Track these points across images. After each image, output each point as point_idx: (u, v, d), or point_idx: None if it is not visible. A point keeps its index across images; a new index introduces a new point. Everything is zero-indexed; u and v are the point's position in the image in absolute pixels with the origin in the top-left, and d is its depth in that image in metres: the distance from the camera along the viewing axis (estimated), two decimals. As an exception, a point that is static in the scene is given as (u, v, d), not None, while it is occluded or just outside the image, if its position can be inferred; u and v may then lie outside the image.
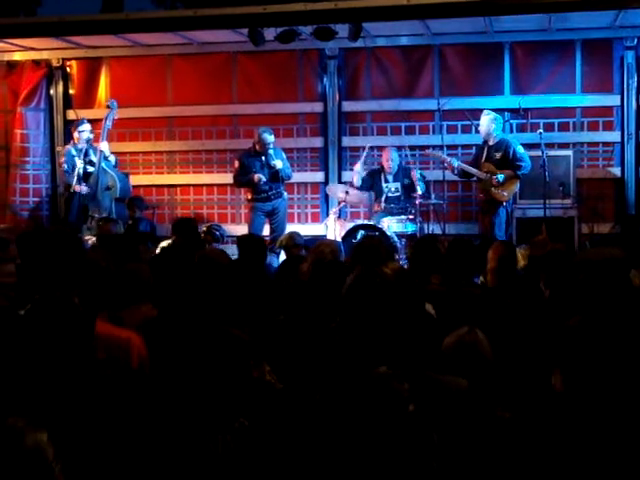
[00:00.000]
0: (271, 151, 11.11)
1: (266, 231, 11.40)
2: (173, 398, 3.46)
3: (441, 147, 11.23)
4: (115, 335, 4.34)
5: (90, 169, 11.42)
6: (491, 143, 10.85)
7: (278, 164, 11.07)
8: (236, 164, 11.37)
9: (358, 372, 2.97)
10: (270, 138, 11.08)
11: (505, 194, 10.65)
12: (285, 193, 11.45)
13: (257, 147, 11.18)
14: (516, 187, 10.74)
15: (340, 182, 12.06)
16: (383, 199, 11.06)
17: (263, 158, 11.13)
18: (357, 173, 11.25)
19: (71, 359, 3.67)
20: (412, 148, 11.92)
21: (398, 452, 2.70)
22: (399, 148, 11.58)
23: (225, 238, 11.76)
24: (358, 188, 11.27)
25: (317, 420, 3.12)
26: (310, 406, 3.46)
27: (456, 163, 10.84)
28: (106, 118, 11.49)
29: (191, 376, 3.45)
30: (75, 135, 11.61)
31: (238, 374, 3.48)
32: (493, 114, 10.90)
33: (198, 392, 3.39)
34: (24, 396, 3.46)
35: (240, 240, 7.64)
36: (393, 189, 11.11)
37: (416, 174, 10.91)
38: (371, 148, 11.60)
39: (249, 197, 11.41)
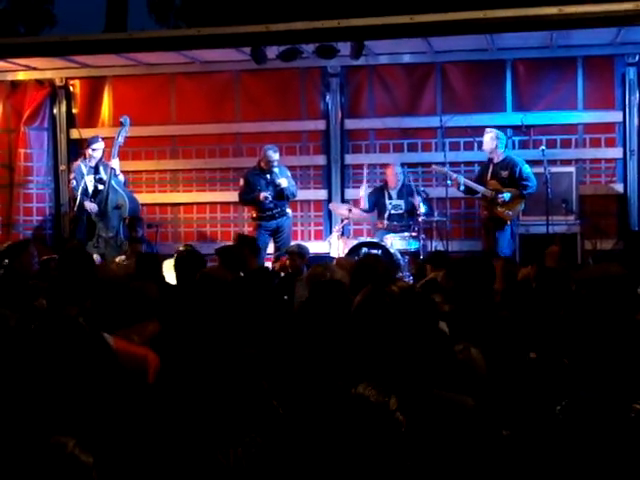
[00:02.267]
0: (276, 169, 11.13)
1: (270, 249, 11.42)
2: (186, 411, 3.48)
3: (444, 164, 11.22)
4: (132, 352, 4.39)
5: (100, 187, 11.44)
6: (496, 161, 10.86)
7: (283, 182, 11.09)
8: (241, 182, 11.40)
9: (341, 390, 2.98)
10: (275, 156, 11.11)
11: (510, 213, 10.65)
12: (289, 211, 11.47)
13: (262, 165, 11.21)
14: (521, 206, 10.74)
15: (343, 199, 12.09)
16: (386, 216, 11.07)
17: (268, 176, 11.16)
18: (363, 197, 11.27)
19: (80, 377, 3.69)
20: (414, 165, 11.94)
21: (386, 464, 2.71)
22: (401, 165, 11.60)
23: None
24: (367, 211, 11.29)
25: (312, 435, 3.13)
26: (305, 422, 3.48)
27: (462, 179, 10.85)
28: (118, 134, 11.54)
29: (204, 391, 3.47)
30: (88, 152, 11.64)
31: (251, 390, 3.50)
32: (495, 131, 10.92)
33: (211, 406, 3.41)
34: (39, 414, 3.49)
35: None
36: (396, 206, 11.12)
37: (418, 199, 10.91)
38: (373, 166, 11.62)
39: (254, 215, 11.43)
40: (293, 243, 10.34)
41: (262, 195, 11.04)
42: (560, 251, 7.81)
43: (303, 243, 10.83)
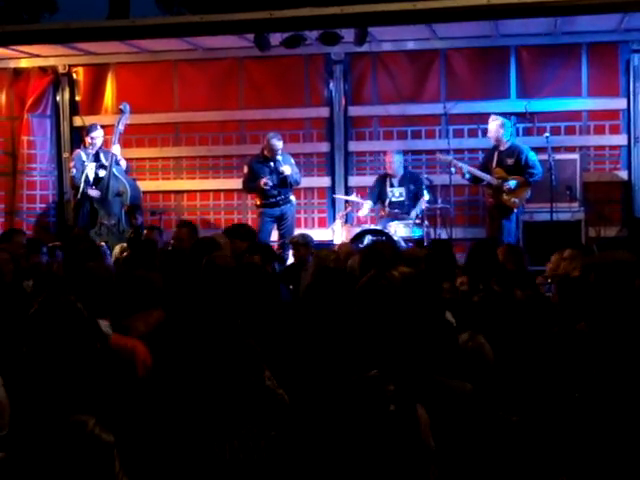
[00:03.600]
0: (279, 157, 11.12)
1: (275, 236, 11.42)
2: (183, 403, 3.48)
3: (448, 151, 11.20)
4: (121, 344, 4.37)
5: (101, 173, 11.45)
6: (502, 148, 10.84)
7: (286, 170, 11.08)
8: (245, 170, 11.40)
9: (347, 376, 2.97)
10: (279, 144, 11.10)
11: (516, 201, 10.63)
12: (293, 198, 11.46)
13: (266, 152, 11.21)
14: (527, 194, 10.72)
15: (346, 187, 12.11)
16: (387, 203, 11.07)
17: (272, 164, 11.15)
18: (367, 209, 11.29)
19: (75, 362, 3.71)
20: (418, 152, 11.92)
21: (384, 452, 2.70)
22: (405, 153, 11.58)
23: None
24: (374, 206, 11.29)
25: (312, 423, 3.13)
26: (306, 410, 3.48)
27: (466, 169, 10.83)
28: (118, 122, 11.57)
29: (203, 382, 3.46)
30: (87, 140, 11.65)
31: (250, 382, 3.50)
32: (501, 119, 10.90)
33: (209, 398, 3.40)
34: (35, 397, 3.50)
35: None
36: (397, 194, 11.12)
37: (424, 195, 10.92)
38: (377, 153, 11.63)
39: (257, 203, 11.43)
40: (297, 233, 10.30)
41: (262, 181, 11.04)
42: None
43: (307, 231, 10.83)
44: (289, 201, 11.36)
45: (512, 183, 10.59)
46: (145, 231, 10.23)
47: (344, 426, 2.67)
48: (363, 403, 2.65)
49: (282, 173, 11.09)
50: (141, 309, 5.15)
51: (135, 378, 4.26)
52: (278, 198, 11.23)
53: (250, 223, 12.07)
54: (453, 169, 10.94)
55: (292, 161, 11.37)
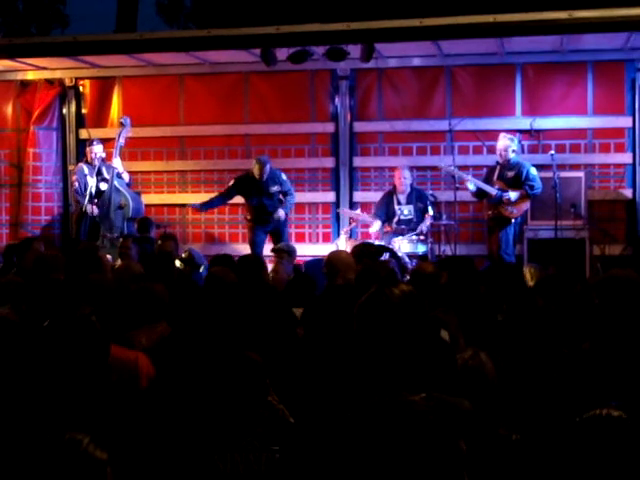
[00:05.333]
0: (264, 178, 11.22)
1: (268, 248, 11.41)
2: (185, 415, 3.48)
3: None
4: (124, 357, 4.37)
5: (103, 187, 11.47)
6: (505, 164, 10.86)
7: (281, 215, 11.17)
8: (230, 183, 11.49)
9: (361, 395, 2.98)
10: (265, 169, 11.17)
11: (515, 211, 10.66)
12: (285, 215, 11.44)
13: (255, 173, 11.25)
14: (526, 205, 10.74)
15: (351, 202, 12.11)
16: (395, 221, 11.05)
17: (260, 185, 11.21)
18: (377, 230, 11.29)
19: (86, 377, 3.70)
20: (423, 169, 11.93)
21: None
22: (410, 169, 11.59)
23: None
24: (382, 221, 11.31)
25: (318, 439, 3.13)
26: (312, 426, 3.47)
27: (471, 181, 10.82)
28: (119, 135, 11.59)
29: (206, 396, 3.46)
30: (88, 154, 11.70)
31: (253, 396, 3.49)
32: (510, 136, 10.94)
33: (211, 411, 3.40)
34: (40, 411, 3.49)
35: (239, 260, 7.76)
36: (406, 212, 11.10)
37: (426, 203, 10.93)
38: (381, 169, 11.64)
39: (248, 217, 11.47)
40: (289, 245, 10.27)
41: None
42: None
43: (311, 246, 10.85)
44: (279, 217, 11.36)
45: (512, 195, 10.62)
46: (159, 241, 10.20)
47: (363, 442, 2.67)
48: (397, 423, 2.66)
49: (278, 219, 11.17)
50: (145, 323, 5.15)
51: (138, 390, 4.25)
52: (269, 217, 11.28)
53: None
54: (456, 175, 10.91)
55: (284, 177, 11.39)
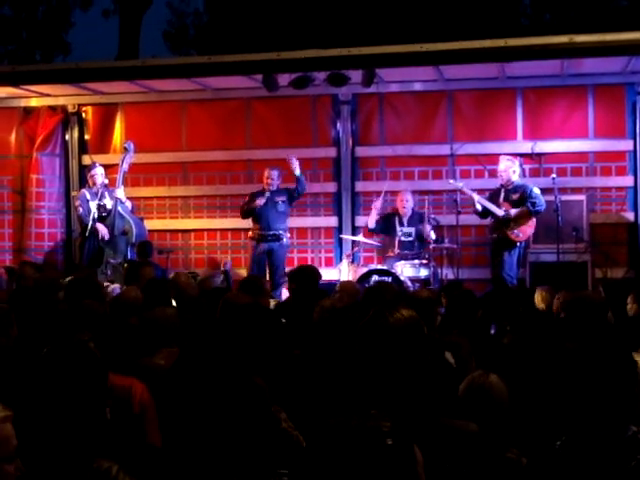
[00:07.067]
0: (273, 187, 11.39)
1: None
2: (193, 441, 3.47)
3: (454, 192, 11.22)
4: (119, 384, 4.39)
5: (108, 204, 11.44)
6: (509, 187, 10.88)
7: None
8: (247, 198, 11.54)
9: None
10: (274, 174, 11.31)
11: (520, 235, 10.66)
12: (285, 239, 11.48)
13: (265, 184, 11.40)
14: (531, 230, 10.74)
15: (353, 227, 12.13)
16: (396, 243, 11.06)
17: (268, 194, 11.29)
18: (375, 209, 11.28)
19: (84, 405, 3.70)
20: (425, 193, 11.94)
21: None
22: (412, 193, 11.61)
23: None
24: (371, 230, 11.31)
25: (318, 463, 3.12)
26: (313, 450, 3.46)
27: (476, 198, 10.84)
28: (122, 160, 11.54)
29: (211, 422, 3.46)
30: (89, 179, 11.72)
31: (258, 422, 3.48)
32: (512, 159, 10.96)
33: (217, 440, 3.39)
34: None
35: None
36: (407, 233, 11.11)
37: (428, 227, 10.91)
38: (385, 193, 11.65)
39: (250, 234, 11.53)
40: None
41: (257, 202, 11.25)
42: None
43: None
44: (279, 239, 11.37)
45: (512, 211, 10.64)
46: (200, 278, 10.24)
47: (343, 463, 2.66)
48: (360, 439, 2.64)
49: (277, 204, 11.25)
50: (162, 346, 5.18)
51: (130, 416, 4.27)
52: (266, 232, 11.29)
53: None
54: (466, 192, 10.91)
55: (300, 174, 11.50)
